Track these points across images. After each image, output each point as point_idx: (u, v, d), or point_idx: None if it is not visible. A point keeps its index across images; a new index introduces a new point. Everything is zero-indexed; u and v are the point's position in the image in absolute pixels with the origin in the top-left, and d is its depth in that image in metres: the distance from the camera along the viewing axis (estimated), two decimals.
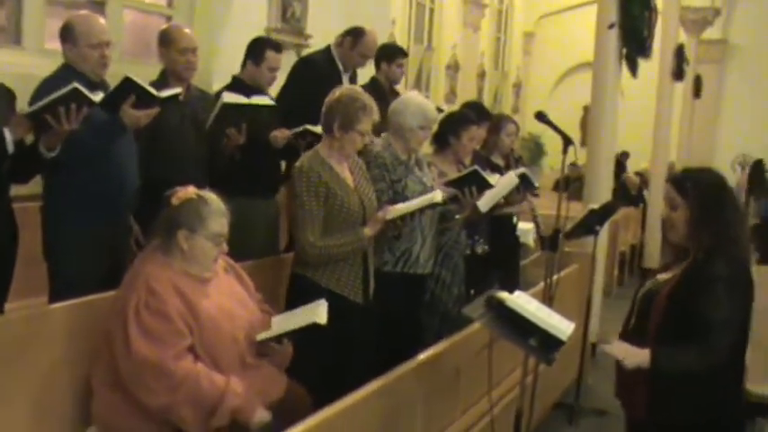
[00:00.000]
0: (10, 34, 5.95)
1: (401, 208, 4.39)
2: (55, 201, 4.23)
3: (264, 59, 5.44)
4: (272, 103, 5.14)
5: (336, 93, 4.38)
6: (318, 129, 4.59)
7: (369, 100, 4.35)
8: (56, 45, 4.63)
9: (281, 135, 5.29)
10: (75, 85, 3.64)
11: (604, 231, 7.27)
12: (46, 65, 4.50)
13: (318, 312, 3.61)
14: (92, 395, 3.47)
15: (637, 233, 13.11)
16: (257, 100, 4.91)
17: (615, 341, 3.50)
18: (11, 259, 4.01)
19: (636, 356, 3.35)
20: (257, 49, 5.50)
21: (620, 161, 13.73)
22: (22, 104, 4.01)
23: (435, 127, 5.75)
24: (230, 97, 4.81)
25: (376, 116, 4.38)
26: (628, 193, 13.04)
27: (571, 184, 12.53)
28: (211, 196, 3.61)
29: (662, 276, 3.61)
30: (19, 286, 4.14)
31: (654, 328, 3.46)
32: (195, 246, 3.51)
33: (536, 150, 18.08)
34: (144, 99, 4.06)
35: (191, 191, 3.57)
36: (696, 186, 3.46)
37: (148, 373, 3.28)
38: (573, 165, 12.35)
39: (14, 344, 3.34)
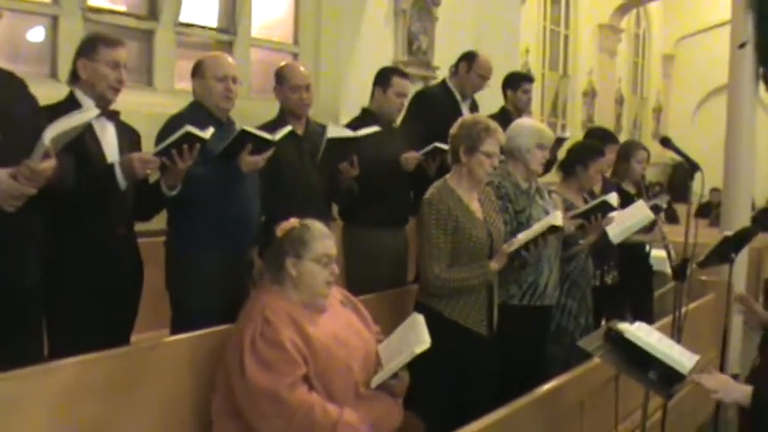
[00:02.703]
0: (142, 75, 6.22)
1: (522, 238, 4.34)
2: (177, 236, 4.36)
3: (391, 85, 5.50)
4: (377, 129, 5.04)
5: (458, 121, 4.41)
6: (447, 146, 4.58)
7: (492, 123, 4.35)
8: (185, 85, 4.80)
9: (411, 157, 5.31)
10: (187, 128, 3.80)
11: (744, 259, 7.01)
12: (176, 105, 4.64)
13: (419, 338, 3.59)
14: (211, 424, 3.54)
15: None
16: (363, 131, 4.88)
17: (714, 372, 3.32)
18: (137, 293, 4.17)
19: (734, 391, 3.16)
20: (383, 77, 5.58)
21: None
22: (151, 143, 4.17)
23: (563, 155, 5.72)
24: (334, 131, 4.81)
25: (501, 137, 4.36)
26: None
27: (714, 210, 12.15)
28: (313, 222, 3.67)
29: None
30: (146, 318, 4.27)
31: None
32: (304, 270, 3.56)
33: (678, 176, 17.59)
34: (260, 144, 4.20)
35: (293, 221, 3.65)
36: None
37: (264, 401, 3.32)
38: (714, 190, 11.94)
39: (137, 373, 3.45)
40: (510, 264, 4.38)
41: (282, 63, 5.26)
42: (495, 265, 4.30)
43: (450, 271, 4.23)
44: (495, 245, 4.37)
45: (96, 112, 3.53)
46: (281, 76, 5.05)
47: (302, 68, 5.15)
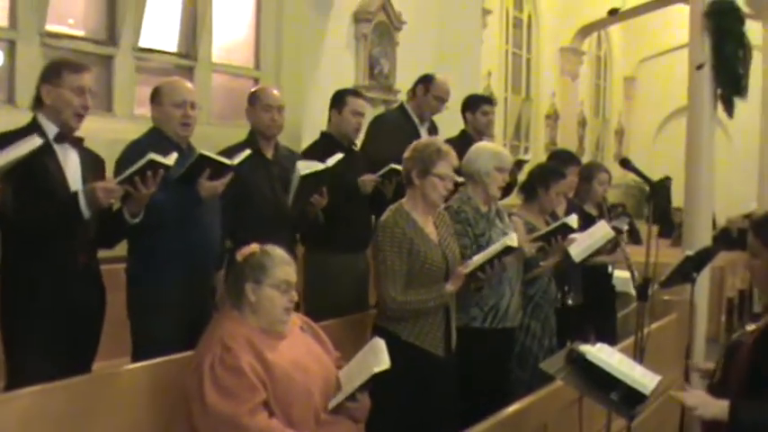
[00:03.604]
0: (101, 101, 6.16)
1: (478, 259, 4.34)
2: (138, 263, 4.32)
3: (346, 104, 5.51)
4: (341, 155, 4.98)
5: (411, 145, 4.42)
6: None
7: (444, 146, 4.37)
8: (145, 111, 4.76)
9: (368, 179, 5.32)
10: (150, 156, 3.76)
11: (706, 277, 7.04)
12: (136, 131, 4.60)
13: (379, 359, 3.57)
14: None
15: (745, 278, 12.59)
16: (332, 160, 4.86)
17: (690, 389, 3.33)
18: (99, 320, 4.11)
19: (712, 407, 3.17)
20: (338, 98, 5.59)
21: None
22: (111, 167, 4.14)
23: (525, 177, 5.74)
24: (306, 167, 4.76)
25: (454, 161, 4.37)
26: (729, 236, 12.59)
27: (675, 230, 12.25)
28: (274, 248, 3.64)
29: (750, 327, 3.44)
30: (108, 346, 4.21)
31: (736, 381, 3.28)
32: (263, 296, 3.53)
33: (641, 197, 17.71)
34: (219, 169, 4.16)
35: (253, 246, 3.62)
36: None
37: (224, 428, 3.29)
38: (676, 210, 12.03)
39: (97, 401, 3.42)
40: (466, 286, 4.38)
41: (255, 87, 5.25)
42: (451, 287, 4.30)
43: (407, 293, 4.22)
44: (451, 268, 4.36)
45: (41, 141, 3.46)
46: (254, 97, 5.07)
47: (276, 91, 5.19)
